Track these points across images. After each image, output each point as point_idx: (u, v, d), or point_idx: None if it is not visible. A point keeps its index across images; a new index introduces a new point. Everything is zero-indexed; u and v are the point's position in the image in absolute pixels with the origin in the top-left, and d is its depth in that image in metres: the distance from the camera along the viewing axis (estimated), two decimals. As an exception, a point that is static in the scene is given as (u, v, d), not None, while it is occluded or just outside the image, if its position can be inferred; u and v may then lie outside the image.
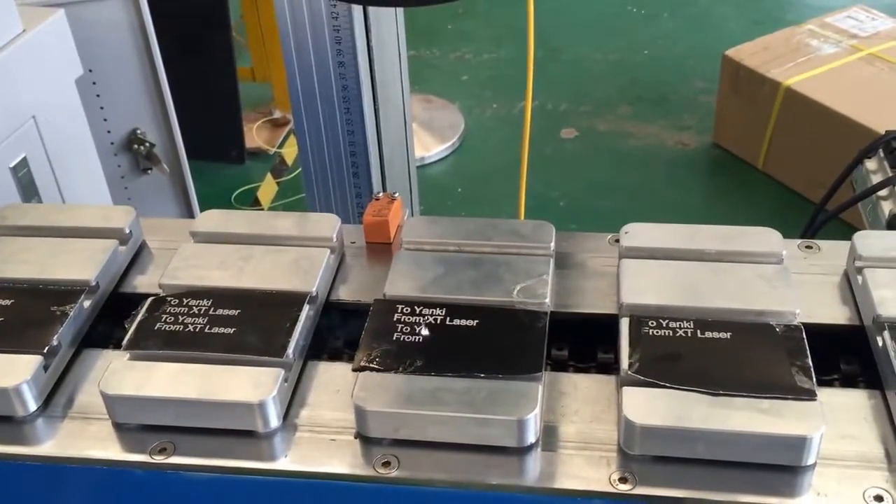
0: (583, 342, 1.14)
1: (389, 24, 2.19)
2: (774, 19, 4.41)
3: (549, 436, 1.01)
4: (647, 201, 3.47)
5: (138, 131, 2.60)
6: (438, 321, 1.10)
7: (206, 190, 2.96)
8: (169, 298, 1.15)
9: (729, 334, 1.05)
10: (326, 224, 1.27)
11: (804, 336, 1.04)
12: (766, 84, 3.48)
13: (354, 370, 1.04)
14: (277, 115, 4.02)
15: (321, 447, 1.02)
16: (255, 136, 3.91)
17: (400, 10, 2.22)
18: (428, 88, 4.23)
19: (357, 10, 2.00)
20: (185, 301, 1.14)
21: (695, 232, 1.21)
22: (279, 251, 1.23)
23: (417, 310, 1.11)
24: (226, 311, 1.12)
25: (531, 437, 0.98)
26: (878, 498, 0.92)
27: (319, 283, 1.17)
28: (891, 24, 3.76)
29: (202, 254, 1.24)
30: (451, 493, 0.97)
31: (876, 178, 1.55)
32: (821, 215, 1.73)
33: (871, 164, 1.60)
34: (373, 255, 1.30)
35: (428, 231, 1.25)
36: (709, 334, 1.05)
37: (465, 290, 1.14)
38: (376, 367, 1.04)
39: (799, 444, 0.93)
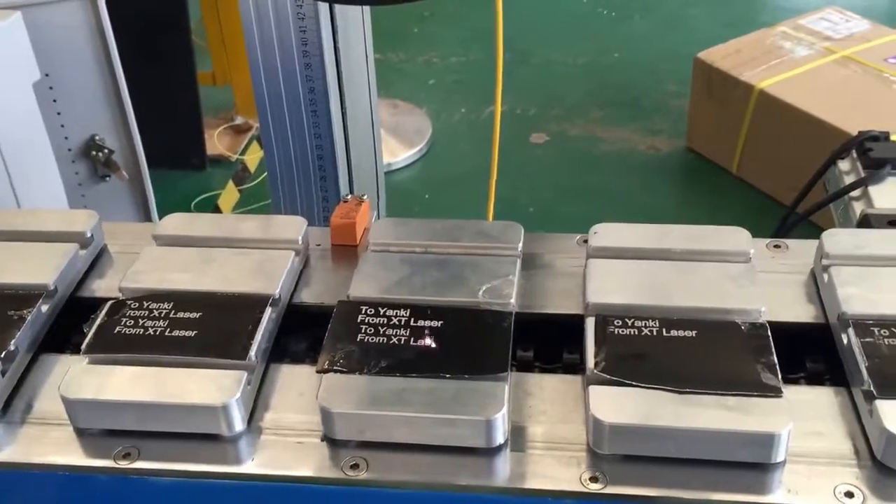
0: (549, 342, 1.14)
1: (356, 24, 2.14)
2: (747, 21, 4.37)
3: (518, 436, 1.01)
4: (618, 207, 3.43)
5: (97, 137, 2.53)
6: (403, 322, 1.10)
7: (165, 197, 2.88)
8: (129, 302, 1.15)
9: (694, 332, 1.06)
10: (292, 226, 1.26)
11: (769, 334, 1.05)
12: (739, 87, 3.45)
13: (318, 372, 1.04)
14: (239, 120, 3.94)
15: (288, 450, 1.01)
16: (216, 142, 3.82)
17: (367, 9, 2.17)
18: (394, 93, 4.17)
19: (324, 10, 1.95)
20: (145, 304, 1.14)
21: (664, 231, 1.22)
22: (243, 254, 1.22)
23: (381, 311, 1.11)
24: (187, 315, 1.12)
25: (500, 438, 0.98)
26: (849, 494, 0.93)
27: (282, 286, 1.16)
28: (865, 26, 3.74)
29: (164, 257, 1.23)
30: (422, 494, 0.98)
31: (849, 179, 1.53)
32: (792, 217, 1.72)
33: (844, 165, 1.58)
34: (338, 258, 1.30)
35: (395, 232, 1.25)
36: (674, 333, 1.06)
37: (430, 291, 1.15)
38: (340, 368, 1.04)
39: (767, 441, 0.93)
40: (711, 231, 1.22)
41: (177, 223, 1.30)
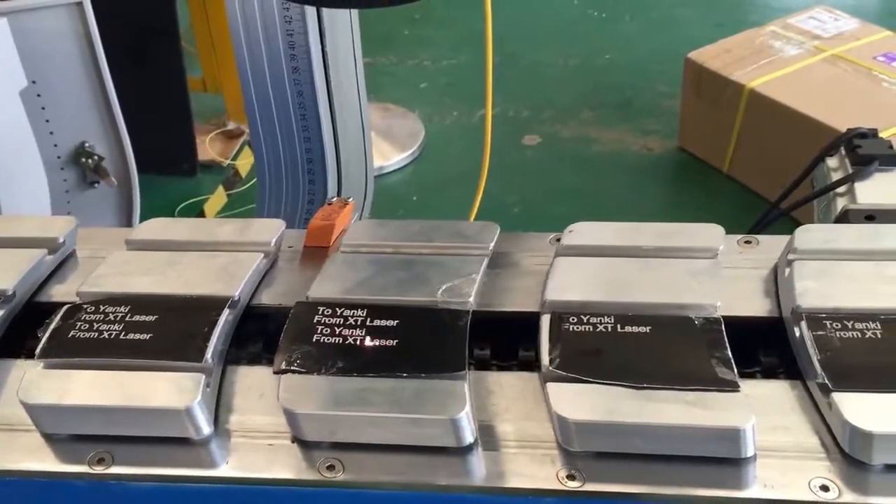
0: (506, 340, 1.13)
1: (344, 27, 2.14)
2: (737, 21, 4.37)
3: (487, 435, 1.01)
4: (609, 207, 3.43)
5: (86, 144, 2.52)
6: (359, 322, 1.09)
7: (152, 203, 2.87)
8: (84, 306, 1.13)
9: (649, 328, 1.05)
10: (268, 229, 1.26)
11: (723, 328, 1.04)
12: (730, 86, 3.45)
13: (275, 373, 1.03)
14: (231, 126, 3.93)
15: (261, 452, 1.01)
16: (208, 148, 3.82)
17: (355, 11, 2.16)
18: (386, 96, 4.16)
19: (311, 13, 1.94)
20: (101, 308, 1.12)
21: (637, 229, 1.21)
22: (210, 257, 1.21)
23: (338, 311, 1.11)
24: (143, 318, 1.11)
25: (469, 437, 0.98)
26: (825, 488, 0.93)
27: (243, 288, 1.15)
28: (854, 25, 3.74)
29: (130, 261, 1.22)
30: (403, 495, 0.97)
31: (837, 176, 1.53)
32: (773, 213, 1.73)
33: (832, 162, 1.58)
34: (307, 259, 1.29)
35: (370, 234, 1.25)
36: (629, 329, 1.06)
37: (390, 291, 1.14)
38: (297, 369, 1.03)
39: (734, 435, 0.93)
40: (685, 228, 1.21)
41: (155, 227, 1.30)
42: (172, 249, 1.24)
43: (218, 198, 3.62)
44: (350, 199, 1.33)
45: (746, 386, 1.01)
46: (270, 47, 1.98)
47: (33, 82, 2.30)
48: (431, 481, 0.96)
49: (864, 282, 1.11)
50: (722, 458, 0.95)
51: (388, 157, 3.74)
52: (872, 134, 1.58)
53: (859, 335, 1.03)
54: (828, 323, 1.04)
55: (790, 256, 1.16)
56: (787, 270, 1.14)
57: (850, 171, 1.50)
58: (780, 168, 3.16)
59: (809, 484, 0.93)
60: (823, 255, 1.15)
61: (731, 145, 3.52)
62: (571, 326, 1.06)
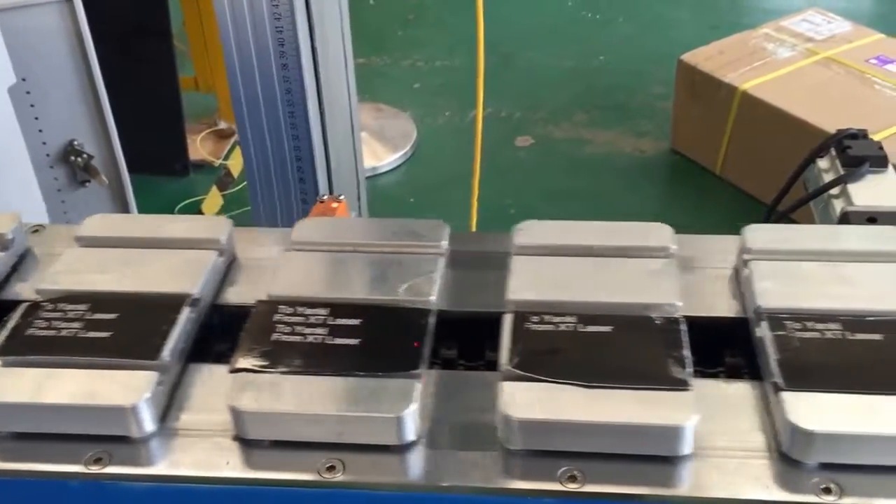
0: (473, 340, 1.13)
1: (334, 23, 2.12)
2: (730, 23, 4.37)
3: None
4: (603, 208, 3.42)
5: (75, 143, 2.51)
6: (320, 321, 1.09)
7: (148, 203, 2.87)
8: (44, 304, 1.12)
9: (611, 328, 1.06)
10: (216, 226, 1.25)
11: (683, 328, 1.05)
12: (723, 88, 3.45)
13: (231, 371, 1.02)
14: (223, 125, 3.92)
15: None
16: (199, 147, 3.81)
17: (345, 7, 2.15)
18: (379, 97, 4.15)
19: (300, 9, 1.93)
20: (60, 306, 1.12)
21: (587, 228, 1.22)
22: (165, 254, 1.21)
23: (299, 310, 1.10)
24: (103, 316, 1.11)
25: (411, 435, 0.98)
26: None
27: (203, 286, 1.15)
28: (846, 27, 3.74)
29: (85, 258, 1.21)
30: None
31: (828, 177, 1.53)
32: (773, 215, 1.72)
33: (823, 164, 1.58)
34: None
35: (320, 232, 1.24)
36: (590, 328, 1.06)
37: (351, 290, 1.14)
38: (253, 367, 1.02)
39: (672, 433, 0.94)
40: (634, 227, 1.22)
41: (99, 224, 1.28)
42: (125, 246, 1.23)
43: (213, 198, 3.61)
44: (342, 196, 1.32)
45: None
46: (259, 44, 1.97)
47: (23, 79, 2.29)
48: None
49: (823, 282, 1.12)
50: (662, 457, 0.95)
51: (381, 157, 3.74)
52: (862, 135, 1.58)
53: (819, 336, 1.04)
54: (788, 323, 1.05)
55: (745, 256, 1.17)
56: (746, 271, 1.15)
57: (841, 171, 1.51)
58: (772, 170, 3.15)
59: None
60: (778, 256, 1.16)
61: (723, 147, 3.52)
62: (534, 326, 1.06)
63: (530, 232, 1.21)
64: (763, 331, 1.05)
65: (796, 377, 0.98)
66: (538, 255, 1.18)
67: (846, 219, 1.39)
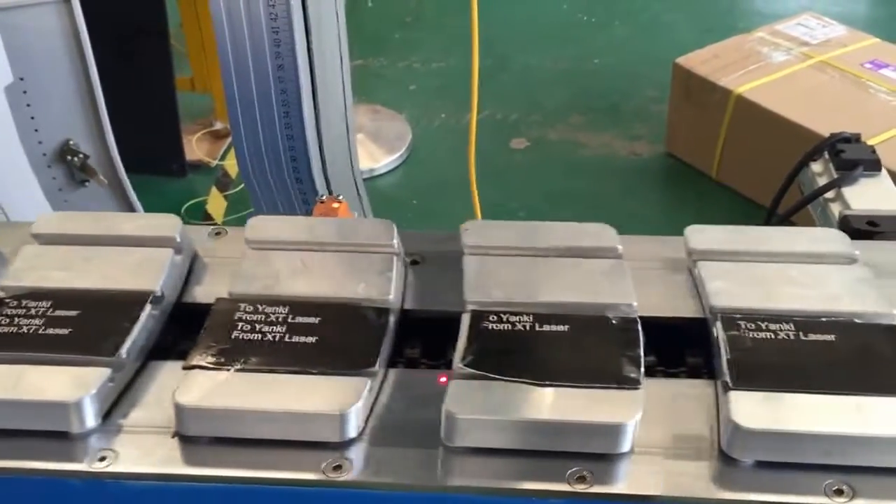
0: (435, 339, 1.14)
1: (330, 23, 2.13)
2: (725, 27, 4.38)
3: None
4: (605, 211, 3.42)
5: (70, 142, 2.51)
6: (280, 319, 1.09)
7: (151, 203, 2.86)
8: (7, 300, 1.12)
9: (567, 327, 1.07)
10: (169, 224, 1.25)
11: (638, 328, 1.06)
12: (717, 92, 3.46)
13: (184, 368, 1.03)
14: (218, 126, 3.91)
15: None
16: (195, 148, 3.80)
17: (341, 8, 2.16)
18: (375, 98, 4.15)
19: (296, 9, 1.94)
20: (23, 303, 1.12)
21: (534, 229, 1.23)
22: (124, 252, 1.21)
23: (260, 308, 1.11)
24: (65, 312, 1.10)
25: (352, 432, 0.98)
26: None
27: (165, 283, 1.15)
28: (841, 32, 3.75)
29: (44, 255, 1.21)
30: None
31: (822, 181, 1.55)
32: (773, 219, 1.75)
33: (816, 167, 1.60)
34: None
35: (273, 231, 1.25)
36: (547, 328, 1.07)
37: (311, 288, 1.14)
38: (208, 365, 1.03)
39: (612, 431, 0.95)
40: (580, 227, 1.23)
41: (53, 221, 1.28)
42: (82, 244, 1.23)
43: (215, 199, 3.61)
44: (341, 197, 1.32)
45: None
46: (255, 44, 1.97)
47: (20, 79, 2.29)
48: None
49: (774, 283, 1.13)
50: (602, 454, 0.96)
51: (378, 159, 3.74)
52: (855, 139, 1.59)
53: (772, 336, 1.05)
54: (742, 323, 1.07)
55: (693, 257, 1.19)
56: (696, 271, 1.17)
57: (835, 175, 1.52)
58: (767, 173, 3.16)
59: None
60: (722, 257, 1.18)
61: (718, 150, 3.52)
62: (491, 325, 1.07)
63: (478, 232, 1.23)
64: (717, 331, 1.06)
65: (745, 376, 1.00)
66: (489, 254, 1.19)
67: (846, 222, 1.40)
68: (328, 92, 2.14)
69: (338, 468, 0.96)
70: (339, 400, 0.98)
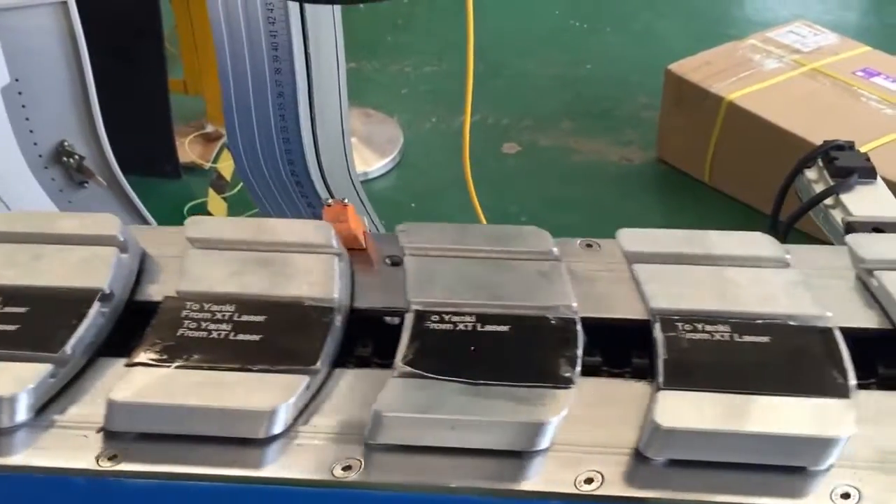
0: (385, 339, 1.14)
1: (328, 28, 2.13)
2: (717, 34, 4.39)
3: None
4: (603, 217, 3.43)
5: (66, 143, 2.51)
6: (227, 317, 1.10)
7: (152, 205, 2.86)
8: None
9: (508, 327, 1.07)
10: (109, 223, 1.25)
11: (578, 328, 1.07)
12: (709, 99, 3.47)
13: (127, 365, 1.03)
14: (210, 129, 3.90)
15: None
16: (187, 150, 3.79)
17: (338, 14, 2.16)
18: (367, 102, 4.15)
19: (294, 13, 1.94)
20: None
21: (471, 231, 1.24)
22: (71, 250, 1.21)
23: (206, 306, 1.11)
24: (13, 310, 1.11)
25: (278, 428, 0.98)
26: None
27: (113, 281, 1.16)
28: (833, 40, 3.77)
29: None
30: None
31: (818, 188, 1.55)
32: (779, 224, 1.71)
33: (811, 174, 1.60)
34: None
35: (216, 231, 1.26)
36: (488, 328, 1.07)
37: (258, 288, 1.15)
38: (150, 361, 1.03)
39: (532, 430, 0.95)
40: (513, 231, 1.24)
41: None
42: (26, 242, 1.23)
43: (214, 200, 3.61)
44: (346, 200, 1.33)
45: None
46: (253, 48, 1.98)
47: (16, 80, 2.29)
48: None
49: (710, 285, 1.15)
50: (520, 452, 0.96)
51: (370, 163, 3.74)
52: (849, 146, 1.60)
53: (708, 337, 1.06)
54: (680, 325, 1.08)
55: (629, 260, 1.20)
56: (635, 273, 1.18)
57: (830, 182, 1.53)
58: (758, 179, 3.20)
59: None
60: (659, 259, 1.19)
61: (709, 157, 3.54)
62: (433, 325, 1.08)
63: (416, 233, 1.24)
64: (656, 332, 1.08)
65: (676, 377, 1.01)
66: (430, 255, 1.21)
67: (851, 228, 1.40)
68: (324, 95, 2.14)
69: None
70: (269, 397, 0.98)
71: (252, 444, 0.98)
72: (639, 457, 0.96)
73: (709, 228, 1.26)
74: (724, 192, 3.54)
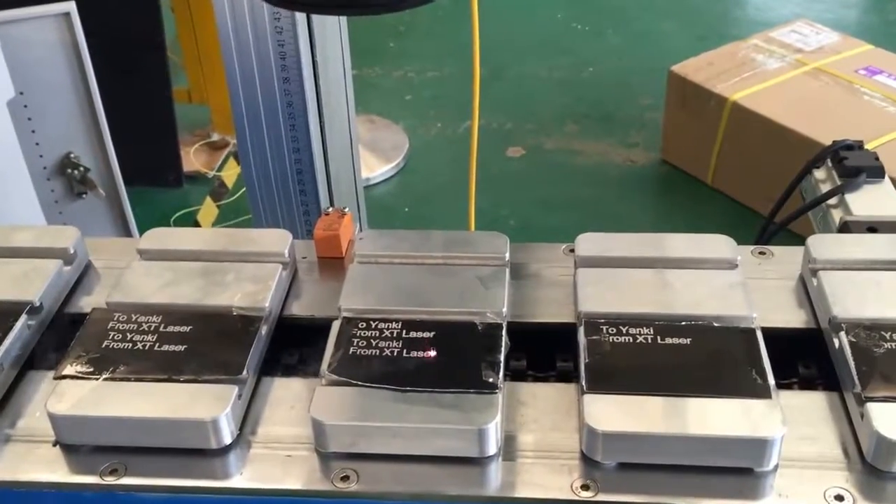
0: (313, 347, 1.16)
1: (334, 37, 2.13)
2: (719, 35, 4.40)
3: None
4: (599, 218, 3.44)
5: (72, 155, 2.51)
6: (153, 328, 1.11)
7: (144, 214, 2.87)
8: None
9: (433, 333, 1.09)
10: (64, 236, 1.27)
11: (502, 333, 1.09)
12: (713, 99, 3.47)
13: (55, 378, 1.04)
14: (216, 137, 3.91)
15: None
16: (192, 159, 3.80)
17: (344, 23, 2.16)
18: (371, 108, 4.16)
19: (301, 23, 1.94)
20: None
21: (424, 238, 1.26)
22: (10, 263, 1.23)
23: (133, 317, 1.13)
24: None
25: (226, 439, 1.00)
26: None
27: (44, 294, 1.17)
28: (835, 38, 3.77)
29: None
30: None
31: (825, 188, 1.55)
32: (771, 226, 1.74)
33: (819, 174, 1.60)
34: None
35: (165, 241, 1.28)
36: (413, 334, 1.09)
37: (187, 298, 1.16)
38: (77, 374, 1.04)
39: (472, 435, 0.97)
40: (472, 237, 1.27)
41: None
42: None
43: (208, 208, 3.61)
44: (346, 209, 1.34)
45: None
46: (261, 58, 1.98)
47: (20, 93, 2.29)
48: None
49: (644, 288, 1.16)
50: (469, 458, 0.98)
51: (373, 168, 3.74)
52: (858, 146, 1.60)
53: (630, 340, 1.08)
54: (604, 328, 1.09)
55: (577, 264, 1.22)
56: (574, 278, 1.20)
57: (838, 182, 1.53)
58: (763, 180, 3.20)
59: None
60: (605, 263, 1.21)
61: (713, 157, 3.53)
62: (359, 332, 1.09)
63: (371, 241, 1.26)
64: (580, 335, 1.09)
65: (598, 380, 1.02)
66: (377, 262, 1.22)
67: (846, 228, 1.41)
68: (332, 103, 2.14)
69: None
70: (209, 407, 0.99)
71: (208, 455, 1.01)
72: (584, 458, 0.99)
73: (709, 230, 1.27)
74: (725, 192, 3.54)
